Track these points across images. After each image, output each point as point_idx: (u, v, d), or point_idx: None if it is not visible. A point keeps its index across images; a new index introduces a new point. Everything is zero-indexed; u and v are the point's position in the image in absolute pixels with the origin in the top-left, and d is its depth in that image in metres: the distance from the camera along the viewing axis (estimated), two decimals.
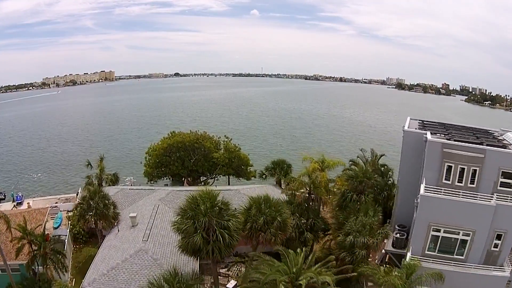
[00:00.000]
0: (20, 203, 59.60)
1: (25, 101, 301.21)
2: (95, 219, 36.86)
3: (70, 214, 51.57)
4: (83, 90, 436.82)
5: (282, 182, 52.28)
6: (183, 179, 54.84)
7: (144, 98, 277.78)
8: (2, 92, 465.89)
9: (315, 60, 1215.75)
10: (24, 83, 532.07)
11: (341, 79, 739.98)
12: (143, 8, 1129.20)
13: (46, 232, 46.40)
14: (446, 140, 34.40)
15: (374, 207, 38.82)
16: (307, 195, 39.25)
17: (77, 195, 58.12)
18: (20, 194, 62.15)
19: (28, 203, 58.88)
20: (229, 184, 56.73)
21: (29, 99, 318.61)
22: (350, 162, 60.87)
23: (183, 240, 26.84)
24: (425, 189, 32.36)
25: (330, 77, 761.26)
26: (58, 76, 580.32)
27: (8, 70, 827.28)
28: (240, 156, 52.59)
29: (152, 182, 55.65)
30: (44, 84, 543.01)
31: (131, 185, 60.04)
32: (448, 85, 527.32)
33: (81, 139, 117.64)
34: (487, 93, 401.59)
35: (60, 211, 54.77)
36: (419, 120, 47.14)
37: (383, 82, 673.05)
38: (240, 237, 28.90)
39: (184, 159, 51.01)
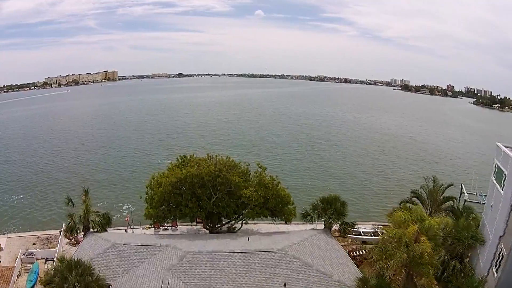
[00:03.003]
0: None
1: (27, 101, 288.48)
2: None
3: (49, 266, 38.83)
4: (90, 90, 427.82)
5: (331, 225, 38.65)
6: (194, 217, 40.46)
7: (146, 100, 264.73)
8: (4, 92, 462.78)
9: (319, 60, 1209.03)
10: (26, 83, 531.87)
11: (346, 80, 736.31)
12: (145, 9, 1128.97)
13: None
14: None
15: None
16: (406, 275, 25.90)
17: (60, 233, 45.41)
18: None
19: None
20: (253, 218, 42.69)
21: (34, 99, 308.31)
22: (412, 194, 48.53)
23: None
24: None
25: (335, 78, 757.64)
26: (60, 76, 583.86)
27: (10, 70, 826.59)
28: (279, 194, 38.32)
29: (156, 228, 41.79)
30: (46, 84, 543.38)
31: (129, 225, 46.93)
32: (453, 86, 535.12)
33: (72, 150, 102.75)
34: (493, 95, 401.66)
35: (38, 259, 41.65)
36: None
37: (388, 83, 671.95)
38: None
39: (202, 197, 37.25)
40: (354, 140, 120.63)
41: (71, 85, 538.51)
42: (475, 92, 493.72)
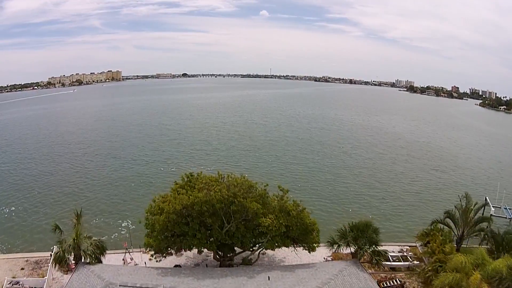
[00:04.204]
0: None
1: (29, 101, 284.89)
2: None
3: None
4: (95, 90, 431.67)
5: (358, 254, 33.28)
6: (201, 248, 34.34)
7: (150, 101, 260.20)
8: (7, 91, 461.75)
9: (324, 61, 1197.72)
10: (29, 83, 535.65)
11: (350, 81, 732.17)
12: (150, 9, 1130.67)
13: None
14: None
15: None
16: None
17: (51, 256, 40.43)
18: None
19: None
20: (272, 249, 36.11)
21: (37, 99, 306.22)
22: (445, 215, 43.36)
23: None
24: None
25: (340, 78, 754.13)
26: (63, 75, 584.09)
27: (14, 70, 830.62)
28: (303, 221, 32.29)
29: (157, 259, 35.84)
30: (49, 84, 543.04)
31: (127, 250, 41.71)
32: (458, 88, 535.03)
33: (70, 157, 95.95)
34: (498, 97, 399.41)
35: None
36: None
37: (392, 85, 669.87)
38: None
39: (213, 226, 31.82)
40: (367, 146, 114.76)
41: (74, 85, 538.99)
42: (480, 93, 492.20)
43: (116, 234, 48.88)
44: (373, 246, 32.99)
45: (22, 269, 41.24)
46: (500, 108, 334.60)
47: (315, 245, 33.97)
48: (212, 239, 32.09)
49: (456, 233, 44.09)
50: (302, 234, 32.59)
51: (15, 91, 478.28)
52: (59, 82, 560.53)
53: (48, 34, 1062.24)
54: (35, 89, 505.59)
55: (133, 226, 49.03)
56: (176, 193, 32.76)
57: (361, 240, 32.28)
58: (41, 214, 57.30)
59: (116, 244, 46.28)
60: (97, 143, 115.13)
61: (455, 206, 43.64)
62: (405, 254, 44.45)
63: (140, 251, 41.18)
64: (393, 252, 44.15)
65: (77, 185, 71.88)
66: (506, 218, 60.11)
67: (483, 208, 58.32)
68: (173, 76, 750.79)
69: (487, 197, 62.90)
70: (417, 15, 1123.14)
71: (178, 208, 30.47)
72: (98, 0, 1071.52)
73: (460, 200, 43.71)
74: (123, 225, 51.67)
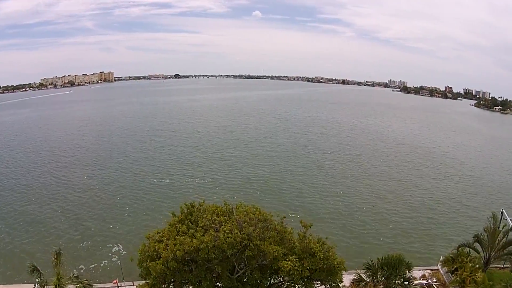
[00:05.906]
0: None
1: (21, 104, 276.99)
2: None
3: None
4: (90, 91, 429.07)
5: None
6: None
7: (141, 104, 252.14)
8: (0, 93, 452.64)
9: (316, 62, 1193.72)
10: (22, 84, 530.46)
11: (343, 82, 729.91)
12: (142, 9, 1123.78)
13: None
14: None
15: None
16: None
17: None
18: None
19: None
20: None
21: (32, 100, 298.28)
22: (474, 239, 39.25)
23: None
24: None
25: (332, 79, 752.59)
26: (56, 76, 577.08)
27: (7, 71, 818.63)
28: (331, 263, 26.63)
29: None
30: (41, 85, 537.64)
31: (118, 286, 36.74)
32: (451, 88, 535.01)
33: (54, 168, 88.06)
34: (493, 97, 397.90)
35: None
36: None
37: (385, 85, 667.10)
38: None
39: (222, 272, 26.01)
40: (370, 153, 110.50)
41: (66, 86, 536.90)
42: (474, 93, 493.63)
43: (106, 261, 43.53)
44: (406, 283, 28.49)
45: None
46: (495, 109, 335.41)
47: (340, 284, 28.95)
48: (220, 284, 26.90)
49: (483, 256, 40.24)
50: (327, 275, 27.49)
51: (7, 92, 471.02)
52: (51, 84, 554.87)
53: (41, 35, 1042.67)
54: (27, 90, 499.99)
55: (125, 252, 43.97)
56: (175, 230, 27.07)
57: (393, 280, 27.70)
58: (23, 236, 51.68)
59: (106, 272, 41.40)
60: (84, 150, 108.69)
61: (484, 229, 39.57)
62: (429, 281, 40.19)
63: (134, 286, 36.36)
64: (416, 279, 39.85)
65: (62, 201, 65.77)
66: None
67: (499, 219, 54.67)
68: (165, 77, 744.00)
69: (503, 210, 58.96)
70: (411, 15, 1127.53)
71: (179, 255, 24.86)
72: (91, 1, 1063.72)
73: (489, 222, 39.72)
74: (113, 250, 46.03)
